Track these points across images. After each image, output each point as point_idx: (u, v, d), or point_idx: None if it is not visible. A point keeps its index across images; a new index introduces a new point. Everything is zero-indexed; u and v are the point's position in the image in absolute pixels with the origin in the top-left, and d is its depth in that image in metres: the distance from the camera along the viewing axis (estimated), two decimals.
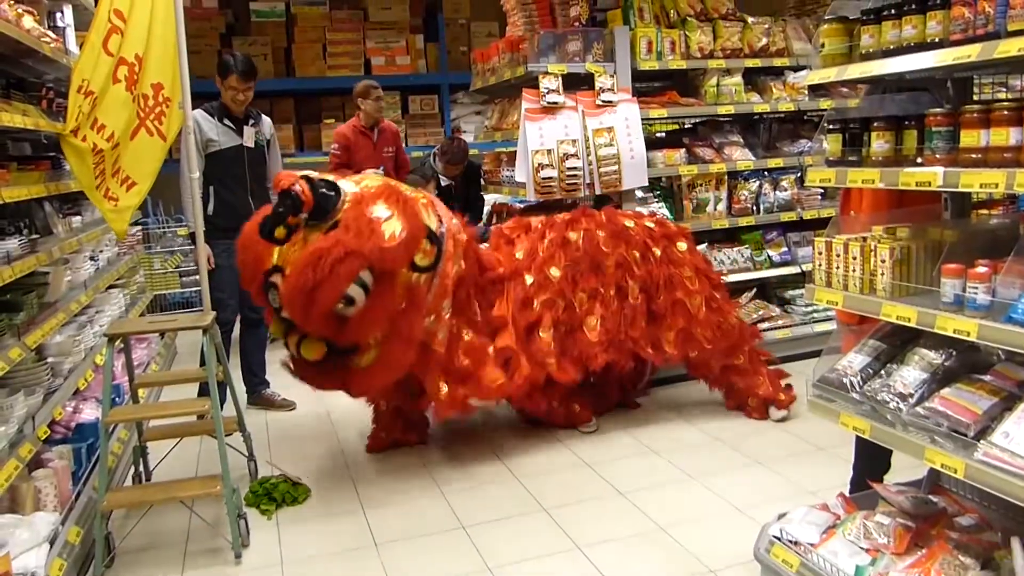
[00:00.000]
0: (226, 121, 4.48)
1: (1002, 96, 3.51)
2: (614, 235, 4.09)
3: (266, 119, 4.74)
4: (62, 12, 4.14)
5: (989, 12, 2.01)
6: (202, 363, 3.70)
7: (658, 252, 4.13)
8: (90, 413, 3.75)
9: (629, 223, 4.19)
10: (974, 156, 2.08)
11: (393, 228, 3.21)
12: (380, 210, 3.26)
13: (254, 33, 7.75)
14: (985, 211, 4.12)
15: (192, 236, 4.09)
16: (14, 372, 3.06)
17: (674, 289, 4.07)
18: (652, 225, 4.27)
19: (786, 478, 3.60)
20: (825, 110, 4.93)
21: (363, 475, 3.89)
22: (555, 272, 3.96)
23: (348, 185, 3.36)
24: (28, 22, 3.42)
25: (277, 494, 3.58)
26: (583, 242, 4.03)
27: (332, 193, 3.24)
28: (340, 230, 3.16)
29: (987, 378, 2.22)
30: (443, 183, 5.39)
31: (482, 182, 5.75)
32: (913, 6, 2.25)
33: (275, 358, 5.56)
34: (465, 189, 5.54)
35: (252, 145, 4.57)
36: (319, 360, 3.31)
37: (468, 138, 8.01)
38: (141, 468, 3.69)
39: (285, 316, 3.27)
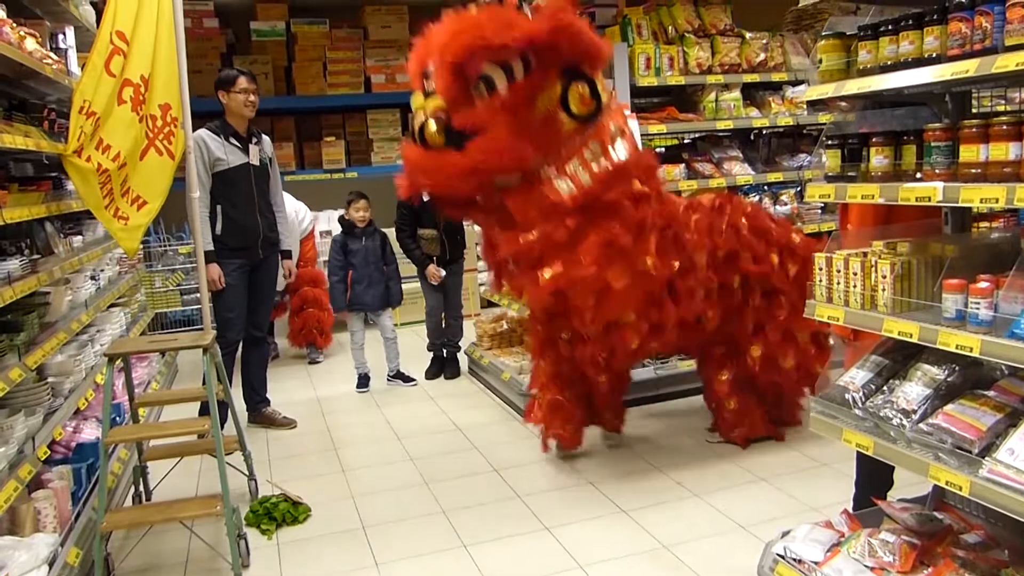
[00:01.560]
0: (232, 140, 4.49)
1: (1001, 108, 3.52)
2: (755, 231, 3.90)
3: (266, 138, 4.76)
4: (64, 34, 4.15)
5: (986, 27, 2.01)
6: (204, 382, 3.69)
7: (792, 270, 3.93)
8: (90, 433, 3.74)
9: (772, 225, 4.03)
10: (974, 171, 2.08)
11: (581, 35, 3.17)
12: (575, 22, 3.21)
13: (254, 52, 7.78)
14: (986, 224, 4.12)
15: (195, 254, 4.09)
16: (14, 392, 3.05)
17: (796, 313, 3.72)
18: (797, 239, 4.07)
19: (789, 495, 3.58)
20: (824, 124, 4.94)
21: (364, 494, 3.86)
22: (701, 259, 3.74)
23: None
24: (30, 44, 3.43)
25: (277, 513, 3.56)
26: (726, 231, 3.81)
27: None
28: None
29: (991, 394, 2.21)
30: (425, 197, 5.38)
31: None
32: (910, 22, 2.26)
33: (276, 375, 5.60)
34: None
35: (257, 163, 4.58)
36: (437, 146, 3.23)
37: None
38: (141, 488, 3.67)
39: (430, 89, 3.27)
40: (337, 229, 7.52)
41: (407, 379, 5.69)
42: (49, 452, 3.14)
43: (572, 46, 3.17)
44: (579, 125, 3.29)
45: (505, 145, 3.17)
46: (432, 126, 3.23)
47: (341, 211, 7.66)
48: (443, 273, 5.52)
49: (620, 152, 3.41)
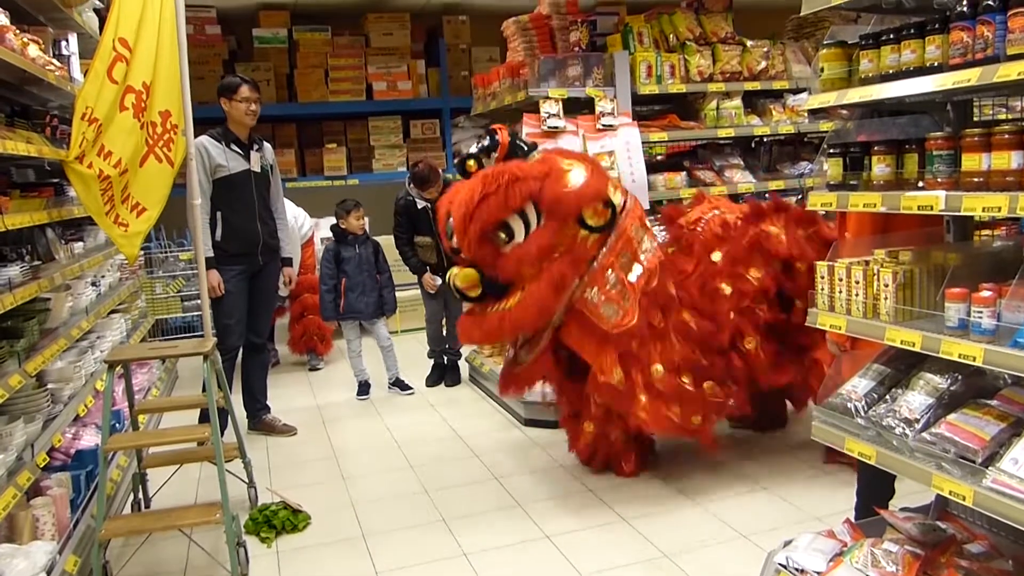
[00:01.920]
0: (233, 146, 4.49)
1: (1002, 117, 3.52)
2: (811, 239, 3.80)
3: (267, 145, 4.75)
4: (67, 40, 4.16)
5: (988, 36, 2.01)
6: (204, 389, 3.68)
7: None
8: (90, 439, 3.73)
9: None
10: (976, 180, 2.07)
11: (572, 177, 3.36)
12: (565, 163, 3.43)
13: (257, 59, 7.81)
14: (987, 232, 4.11)
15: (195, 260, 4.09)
16: (14, 399, 3.04)
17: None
18: None
19: (791, 503, 3.57)
20: (825, 132, 4.95)
21: (364, 502, 3.85)
22: (754, 273, 3.72)
23: (549, 147, 3.66)
24: (33, 51, 3.44)
25: (277, 521, 3.55)
26: (784, 238, 3.74)
27: (526, 147, 3.58)
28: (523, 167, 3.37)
29: (994, 403, 2.20)
30: (420, 205, 5.43)
31: None
32: (912, 31, 2.26)
33: (276, 382, 5.59)
34: None
35: (259, 170, 4.58)
36: (473, 296, 3.49)
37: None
38: (140, 495, 3.66)
39: (455, 246, 3.50)
40: None
41: (405, 387, 5.67)
42: (48, 459, 3.14)
43: (570, 204, 3.35)
44: (600, 236, 3.44)
45: (540, 296, 3.35)
46: (468, 286, 3.49)
47: None
48: (439, 282, 5.51)
49: (647, 248, 3.59)
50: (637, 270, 3.50)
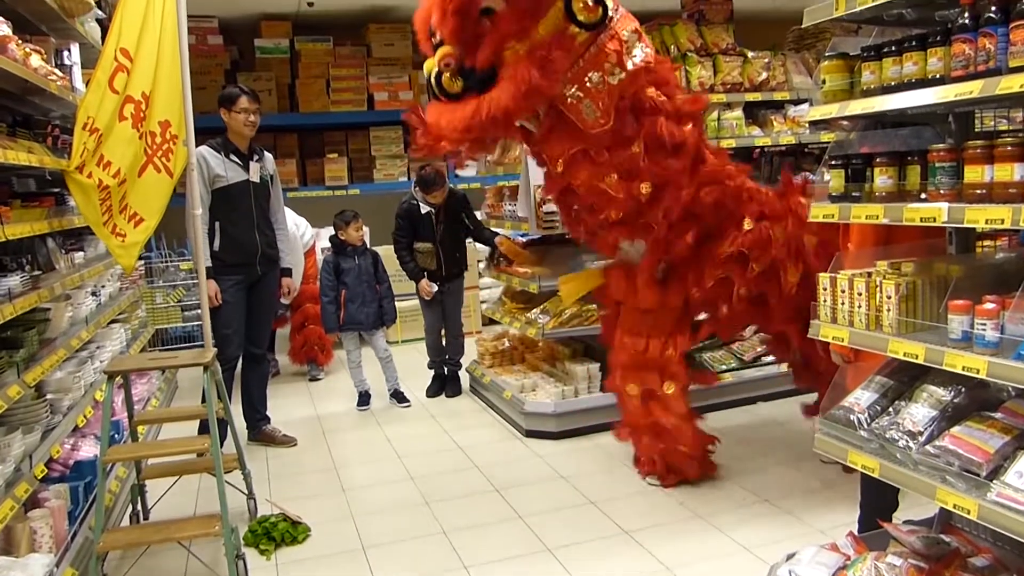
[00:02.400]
0: (232, 157, 4.49)
1: (1004, 128, 3.52)
2: None
3: (268, 155, 4.76)
4: (69, 50, 4.16)
5: (990, 48, 2.01)
6: (203, 399, 3.67)
7: None
8: (88, 450, 3.72)
9: None
10: (979, 191, 2.07)
11: None
12: None
13: (258, 69, 7.82)
14: (989, 242, 4.10)
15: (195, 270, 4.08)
16: (13, 410, 3.03)
17: None
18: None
19: (795, 516, 3.54)
20: (827, 143, 4.95)
21: (364, 514, 3.83)
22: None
23: None
24: (36, 61, 3.44)
25: (276, 533, 3.53)
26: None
27: None
28: None
29: (998, 415, 2.19)
30: (424, 210, 5.46)
31: (476, 213, 5.74)
32: (913, 43, 2.26)
33: (276, 392, 5.57)
34: (453, 217, 5.56)
35: (258, 180, 4.58)
36: (454, 91, 3.19)
37: (470, 172, 8.06)
38: (139, 506, 3.64)
39: (437, 41, 3.21)
40: None
41: (402, 399, 5.66)
42: (46, 470, 3.12)
43: None
44: (590, 34, 3.26)
45: (525, 76, 3.09)
46: (446, 73, 3.18)
47: None
48: (434, 288, 5.50)
49: (637, 56, 3.37)
50: (619, 74, 3.32)
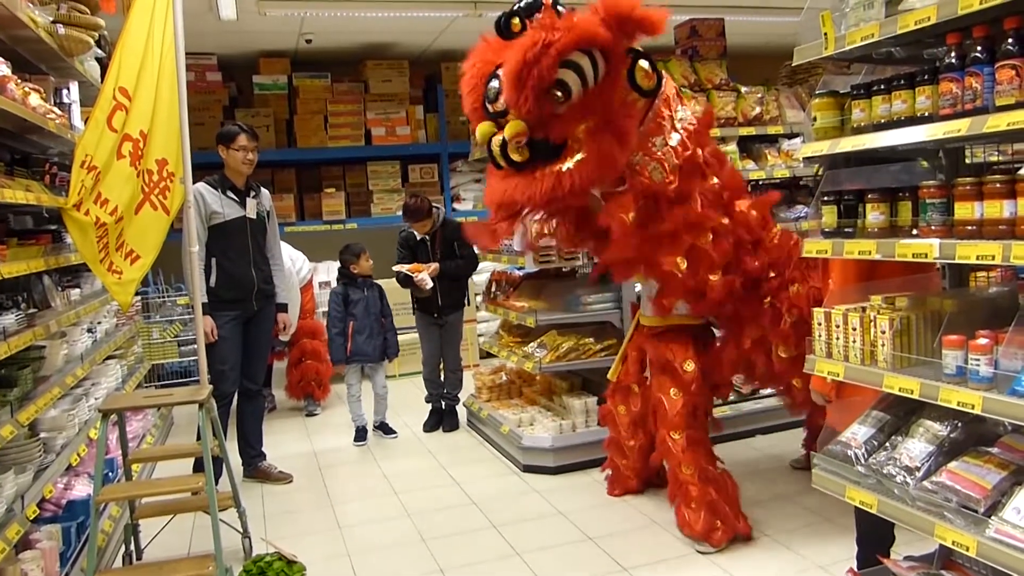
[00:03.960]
0: (229, 193, 4.51)
1: (994, 160, 3.54)
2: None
3: (265, 191, 4.77)
4: (68, 89, 4.20)
5: (976, 88, 2.04)
6: (199, 436, 3.64)
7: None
8: (82, 489, 3.68)
9: None
10: (969, 228, 2.08)
11: (638, 10, 3.12)
12: None
13: (257, 105, 7.89)
14: (983, 274, 4.11)
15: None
16: (6, 450, 3.01)
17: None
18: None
19: (795, 552, 3.51)
20: (820, 177, 4.98)
21: (360, 552, 3.79)
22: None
23: None
24: (35, 100, 3.48)
25: (272, 573, 3.47)
26: None
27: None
28: None
29: (994, 451, 2.18)
30: (418, 238, 5.58)
31: (468, 243, 5.74)
32: (902, 81, 2.29)
33: (272, 428, 5.54)
34: (449, 247, 5.59)
35: (255, 216, 4.60)
36: (520, 160, 3.18)
37: (467, 206, 8.11)
38: (132, 547, 3.59)
39: (499, 109, 3.20)
40: (336, 279, 7.57)
41: (388, 431, 5.66)
42: (38, 511, 3.09)
43: (627, 22, 3.13)
44: (647, 101, 3.33)
45: (602, 153, 3.13)
46: (514, 146, 3.17)
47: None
48: (429, 285, 5.44)
49: (684, 116, 3.48)
50: (675, 137, 3.40)
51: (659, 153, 3.36)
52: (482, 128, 3.28)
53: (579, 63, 3.10)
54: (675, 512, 3.75)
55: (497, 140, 3.20)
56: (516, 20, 3.24)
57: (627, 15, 3.09)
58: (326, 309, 7.31)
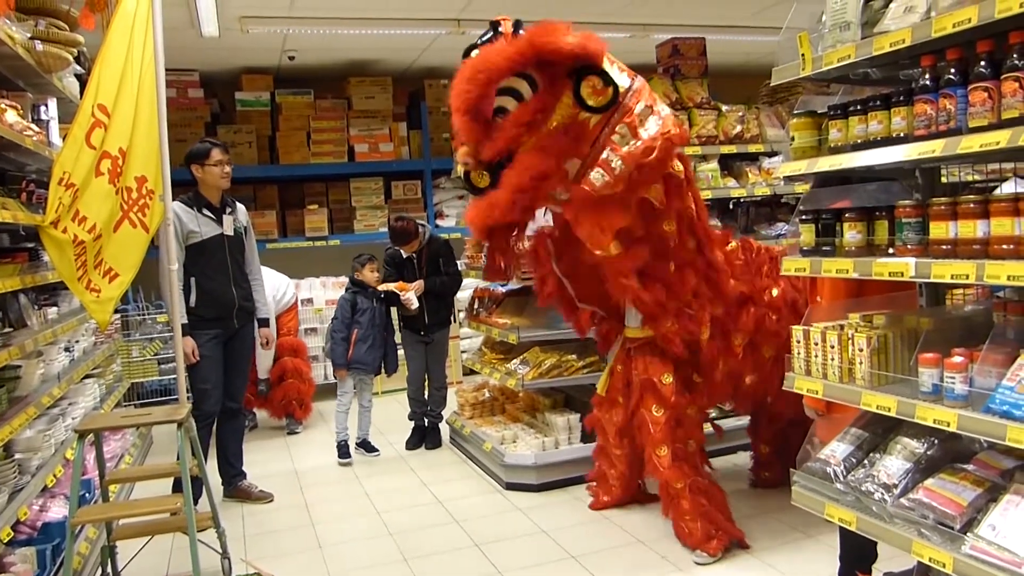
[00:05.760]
0: (205, 211, 4.46)
1: (970, 179, 3.59)
2: None
3: (240, 206, 4.73)
4: (46, 105, 4.17)
5: (950, 109, 2.07)
6: (179, 456, 3.60)
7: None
8: (58, 511, 3.62)
9: None
10: (944, 247, 2.11)
11: (559, 43, 3.16)
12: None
13: (239, 121, 7.87)
14: (960, 292, 4.15)
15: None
16: None
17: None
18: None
19: (775, 568, 3.51)
20: (800, 194, 5.03)
21: (341, 572, 3.75)
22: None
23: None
24: (11, 116, 3.45)
25: None
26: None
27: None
28: None
29: (970, 468, 2.20)
30: (404, 256, 5.59)
31: (455, 259, 5.76)
32: (878, 102, 2.32)
33: (253, 447, 5.49)
34: (433, 262, 5.61)
35: (232, 233, 4.56)
36: (483, 185, 3.31)
37: (450, 223, 8.12)
38: (109, 569, 3.54)
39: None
40: (318, 296, 7.55)
41: (370, 448, 5.64)
42: (12, 533, 3.04)
43: (557, 52, 3.18)
44: (602, 116, 3.32)
45: (529, 163, 3.21)
46: (473, 171, 3.32)
47: (323, 279, 7.70)
48: (415, 305, 5.46)
49: (651, 128, 3.37)
50: (633, 143, 3.31)
51: (617, 171, 3.28)
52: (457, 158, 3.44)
53: (516, 88, 3.23)
54: (673, 527, 3.78)
55: (460, 169, 3.35)
56: (475, 52, 3.36)
57: (540, 47, 3.15)
58: (311, 326, 7.34)
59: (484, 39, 3.38)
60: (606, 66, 3.28)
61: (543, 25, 3.20)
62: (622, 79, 3.35)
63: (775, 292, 3.98)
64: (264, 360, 6.08)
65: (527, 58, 3.16)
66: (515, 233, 3.58)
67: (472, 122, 3.20)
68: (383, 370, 5.66)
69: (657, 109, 3.39)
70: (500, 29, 3.37)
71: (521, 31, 3.34)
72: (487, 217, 3.28)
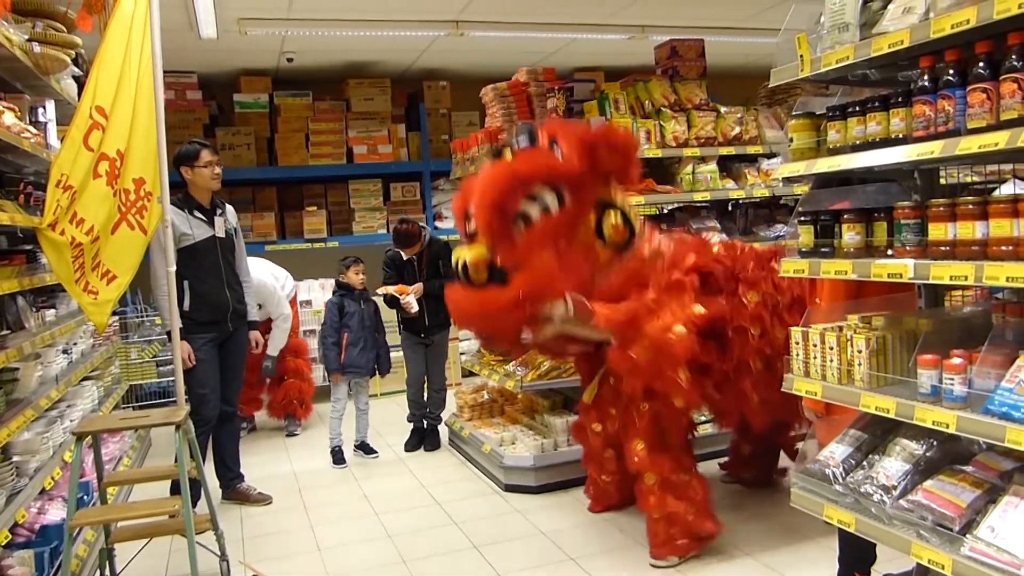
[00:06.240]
0: (196, 213, 4.42)
1: (969, 180, 3.59)
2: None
3: (229, 207, 4.69)
4: (44, 107, 4.16)
5: (949, 110, 2.07)
6: (176, 459, 3.59)
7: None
8: (56, 513, 3.62)
9: None
10: (943, 248, 2.11)
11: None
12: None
13: (238, 123, 7.87)
14: (958, 293, 4.15)
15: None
16: None
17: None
18: None
19: (774, 570, 3.51)
20: (799, 196, 5.03)
21: (340, 574, 3.75)
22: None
23: None
24: (9, 118, 3.44)
25: None
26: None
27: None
28: None
29: (969, 469, 2.20)
30: (405, 258, 5.58)
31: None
32: (876, 103, 2.32)
33: (252, 449, 5.48)
34: (433, 264, 5.60)
35: (223, 235, 4.53)
36: (478, 280, 3.37)
37: (449, 224, 8.12)
38: (107, 571, 3.53)
39: (471, 231, 3.44)
40: (317, 298, 7.54)
41: (369, 451, 5.64)
42: (10, 536, 3.03)
43: (603, 163, 3.34)
44: (614, 254, 3.43)
45: (544, 273, 3.26)
46: (473, 267, 3.38)
47: (322, 280, 7.68)
48: (415, 308, 5.46)
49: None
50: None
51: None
52: (459, 251, 3.50)
53: (544, 197, 3.31)
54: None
55: (460, 261, 3.41)
56: (507, 152, 3.48)
57: (599, 140, 3.32)
58: (311, 328, 7.33)
59: (520, 145, 3.52)
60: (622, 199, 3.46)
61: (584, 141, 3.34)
62: (636, 222, 3.52)
63: (752, 297, 3.74)
64: (277, 339, 6.02)
65: (569, 174, 3.29)
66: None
67: (497, 220, 3.29)
68: (377, 371, 5.65)
69: (663, 252, 3.58)
70: (538, 140, 3.47)
71: (556, 147, 3.42)
72: (489, 316, 3.39)
